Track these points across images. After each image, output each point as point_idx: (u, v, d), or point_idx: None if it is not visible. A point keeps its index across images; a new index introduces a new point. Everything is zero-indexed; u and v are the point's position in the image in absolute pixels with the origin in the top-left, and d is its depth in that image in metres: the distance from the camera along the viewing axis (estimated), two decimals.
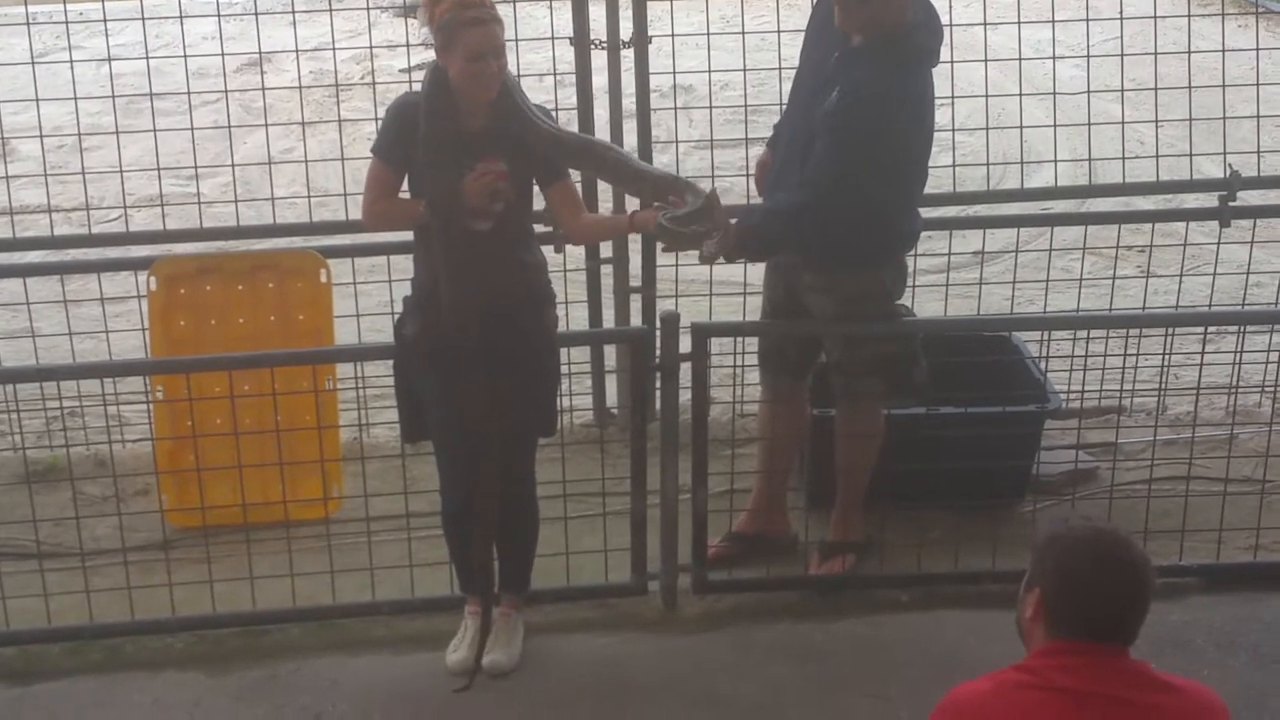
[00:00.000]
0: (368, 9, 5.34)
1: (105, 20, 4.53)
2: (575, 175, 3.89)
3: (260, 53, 5.17)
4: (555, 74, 4.65)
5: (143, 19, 4.77)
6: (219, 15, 4.74)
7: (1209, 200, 5.05)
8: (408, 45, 4.99)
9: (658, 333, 4.07)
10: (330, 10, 5.21)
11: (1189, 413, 4.96)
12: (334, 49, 5.13)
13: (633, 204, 4.21)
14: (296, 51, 4.98)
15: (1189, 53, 4.78)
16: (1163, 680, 2.39)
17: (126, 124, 4.88)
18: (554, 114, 3.86)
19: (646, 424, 4.17)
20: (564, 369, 4.18)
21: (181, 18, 5.06)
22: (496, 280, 3.70)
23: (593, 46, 4.68)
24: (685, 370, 4.09)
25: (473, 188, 3.62)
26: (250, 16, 4.90)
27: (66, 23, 4.78)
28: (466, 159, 3.65)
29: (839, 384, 4.24)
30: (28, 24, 4.84)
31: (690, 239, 3.62)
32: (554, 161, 3.74)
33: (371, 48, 5.20)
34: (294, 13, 5.21)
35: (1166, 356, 4.76)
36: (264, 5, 4.93)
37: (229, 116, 4.88)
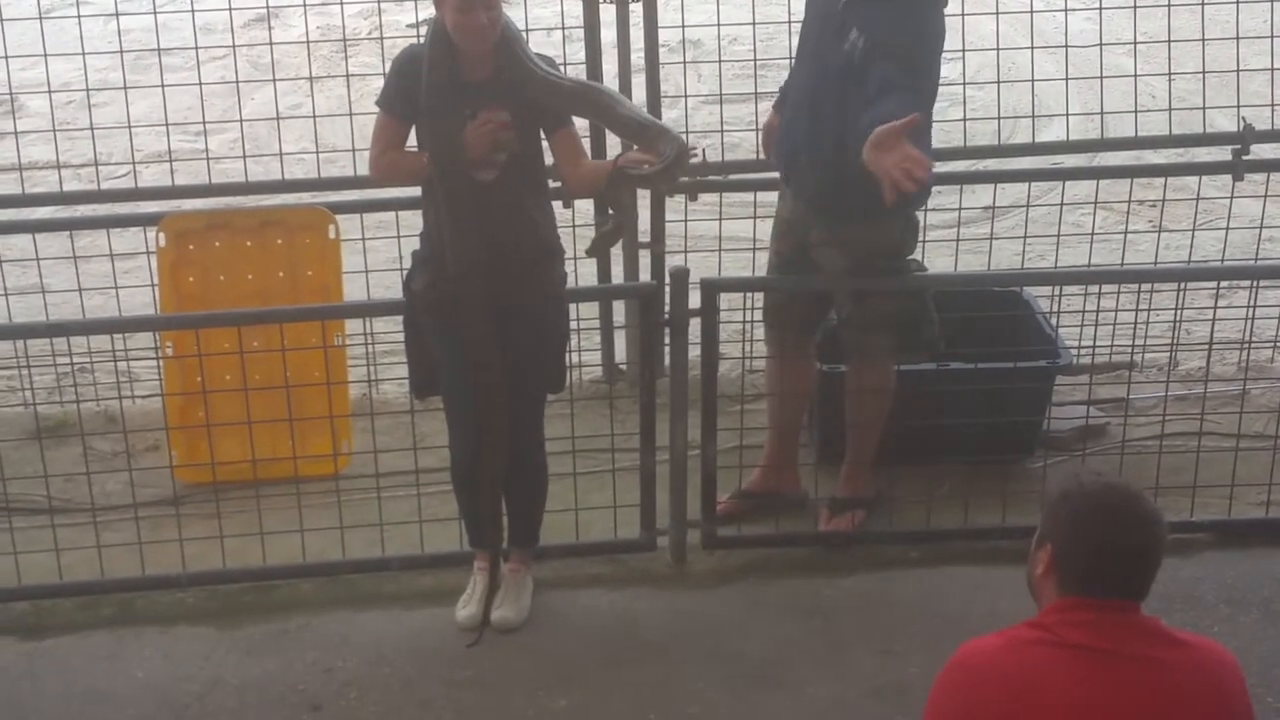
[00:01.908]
0: None
1: None
2: (582, 124, 3.86)
3: (268, 7, 5.15)
4: (564, 28, 4.61)
5: None
6: None
7: (1222, 154, 5.02)
8: (415, 0, 4.96)
9: (666, 288, 4.06)
10: None
11: (1200, 368, 4.95)
12: (341, 3, 5.10)
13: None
14: (304, 6, 4.94)
15: (1202, 4, 4.74)
16: (1174, 636, 2.39)
17: (134, 80, 4.85)
18: (558, 64, 3.83)
19: (655, 380, 4.16)
20: (573, 325, 4.17)
21: None
22: (501, 232, 3.68)
23: (601, 1, 4.64)
24: (694, 326, 4.08)
25: (474, 137, 3.60)
26: None
27: None
28: (469, 109, 3.62)
29: (850, 340, 4.22)
30: None
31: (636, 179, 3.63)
32: (554, 109, 3.71)
33: (379, 1, 5.16)
34: None
35: (1178, 312, 4.75)
36: None
37: (236, 72, 4.85)
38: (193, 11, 4.74)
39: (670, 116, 5.24)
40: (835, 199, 3.98)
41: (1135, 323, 4.96)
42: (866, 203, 3.75)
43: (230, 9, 4.81)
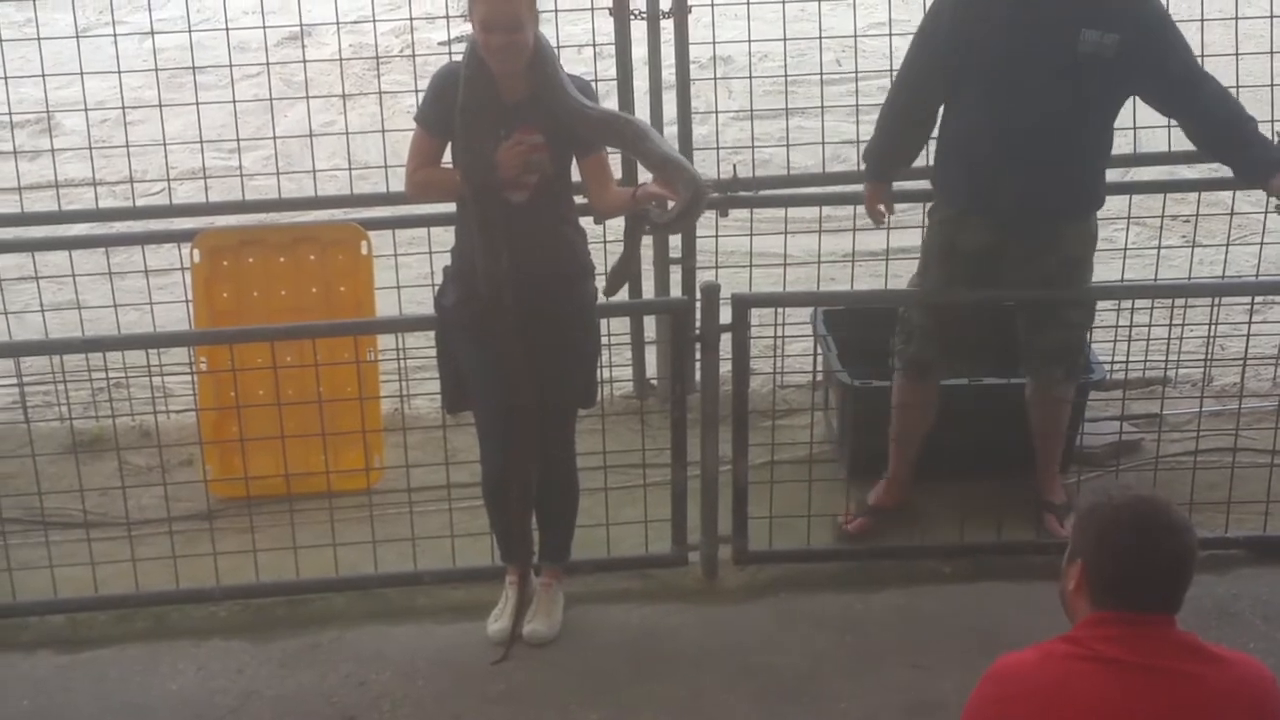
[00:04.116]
0: None
1: None
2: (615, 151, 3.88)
3: (301, 26, 5.18)
4: (595, 45, 4.63)
5: None
6: None
7: None
8: (447, 18, 4.98)
9: (698, 304, 4.06)
10: None
11: (1235, 384, 4.91)
12: (374, 21, 5.13)
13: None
14: (337, 25, 4.98)
15: (1235, 19, 4.72)
16: (1210, 651, 2.37)
17: (169, 98, 4.90)
18: (594, 86, 3.84)
19: (687, 395, 4.16)
20: (604, 340, 4.17)
21: None
22: (532, 252, 3.69)
23: (632, 17, 4.65)
24: (725, 342, 4.08)
25: (506, 158, 3.61)
26: None
27: None
28: (503, 130, 3.64)
29: (1030, 366, 4.28)
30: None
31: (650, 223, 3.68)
32: (584, 136, 3.72)
33: (411, 19, 5.19)
34: None
35: (1212, 327, 4.72)
36: None
37: (270, 89, 4.89)
38: (226, 30, 4.78)
39: (701, 133, 5.24)
40: (1064, 196, 4.06)
41: (1169, 338, 4.93)
42: (1092, 193, 4.13)
43: (264, 27, 4.85)
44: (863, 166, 4.36)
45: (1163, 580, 2.36)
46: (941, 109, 4.16)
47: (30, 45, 4.70)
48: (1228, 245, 5.20)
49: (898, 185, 4.41)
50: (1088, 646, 2.35)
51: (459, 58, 3.70)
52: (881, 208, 4.33)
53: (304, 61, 4.96)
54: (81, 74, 4.69)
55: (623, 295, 4.74)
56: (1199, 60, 4.08)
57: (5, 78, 4.67)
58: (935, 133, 4.22)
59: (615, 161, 3.88)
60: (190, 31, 4.76)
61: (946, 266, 4.21)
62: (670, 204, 3.61)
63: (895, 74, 4.21)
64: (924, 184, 4.43)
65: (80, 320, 5.04)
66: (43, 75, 4.64)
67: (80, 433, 4.71)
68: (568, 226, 3.80)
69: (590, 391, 3.99)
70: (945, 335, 4.24)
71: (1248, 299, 4.99)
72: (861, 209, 5.08)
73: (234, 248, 4.59)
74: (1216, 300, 4.57)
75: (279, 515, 4.25)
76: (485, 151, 3.61)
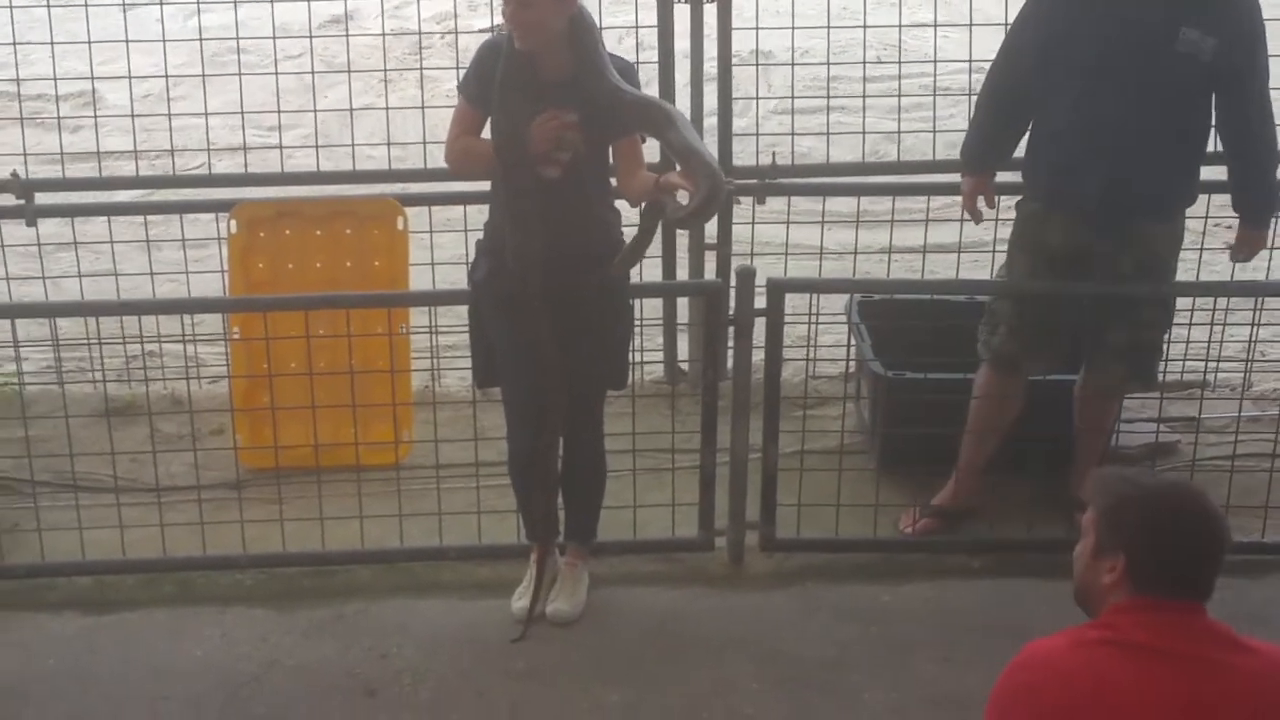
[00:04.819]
0: None
1: None
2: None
3: (346, 7, 5.18)
4: (637, 27, 4.62)
5: None
6: None
7: None
8: (490, 4, 4.97)
9: (732, 288, 4.04)
10: None
11: (1275, 389, 4.86)
12: (418, 2, 5.14)
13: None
14: (382, 9, 5.00)
15: None
16: (1244, 642, 2.34)
17: (211, 76, 4.92)
18: (635, 69, 3.81)
19: (718, 381, 4.14)
20: (636, 323, 4.15)
21: None
22: (563, 230, 3.67)
23: (676, 3, 4.64)
24: (759, 329, 4.05)
25: (538, 133, 3.59)
26: None
27: None
28: (539, 107, 3.62)
29: (1098, 362, 4.24)
30: None
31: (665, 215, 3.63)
32: (619, 120, 3.68)
33: (456, 4, 5.18)
34: None
35: (1254, 329, 4.66)
36: None
37: (313, 64, 4.90)
38: (272, 4, 4.79)
39: (740, 125, 5.21)
40: (1150, 194, 4.03)
41: (1209, 340, 4.88)
42: (1179, 193, 4.13)
43: (309, 4, 4.86)
44: (960, 161, 4.34)
45: (1202, 566, 2.34)
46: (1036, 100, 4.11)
47: (76, 20, 4.72)
48: (1270, 250, 5.13)
49: (918, 178, 4.37)
50: (1119, 631, 2.32)
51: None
52: (981, 201, 4.29)
53: (347, 35, 4.96)
54: (127, 42, 4.70)
55: (655, 275, 4.75)
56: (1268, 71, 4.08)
57: (53, 44, 4.69)
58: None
59: (653, 147, 3.84)
60: (237, 3, 4.77)
61: (1031, 260, 4.18)
62: (688, 197, 3.57)
63: (991, 62, 4.19)
64: (952, 178, 4.40)
65: (117, 288, 5.05)
66: (89, 42, 4.65)
67: (114, 399, 4.74)
68: (601, 207, 3.77)
69: (621, 373, 3.96)
70: (1034, 329, 4.19)
71: None
72: (903, 203, 5.09)
73: (271, 219, 4.60)
74: (1259, 303, 4.50)
75: (307, 486, 4.25)
76: (519, 126, 3.60)
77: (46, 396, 4.81)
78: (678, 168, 3.55)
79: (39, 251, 4.94)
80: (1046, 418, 4.27)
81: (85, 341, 4.70)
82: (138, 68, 4.94)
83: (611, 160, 3.78)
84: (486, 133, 3.74)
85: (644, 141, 3.74)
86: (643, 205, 3.63)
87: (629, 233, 3.70)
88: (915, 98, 5.39)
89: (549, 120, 3.59)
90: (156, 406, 4.63)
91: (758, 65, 4.99)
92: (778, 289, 4.01)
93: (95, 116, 5.04)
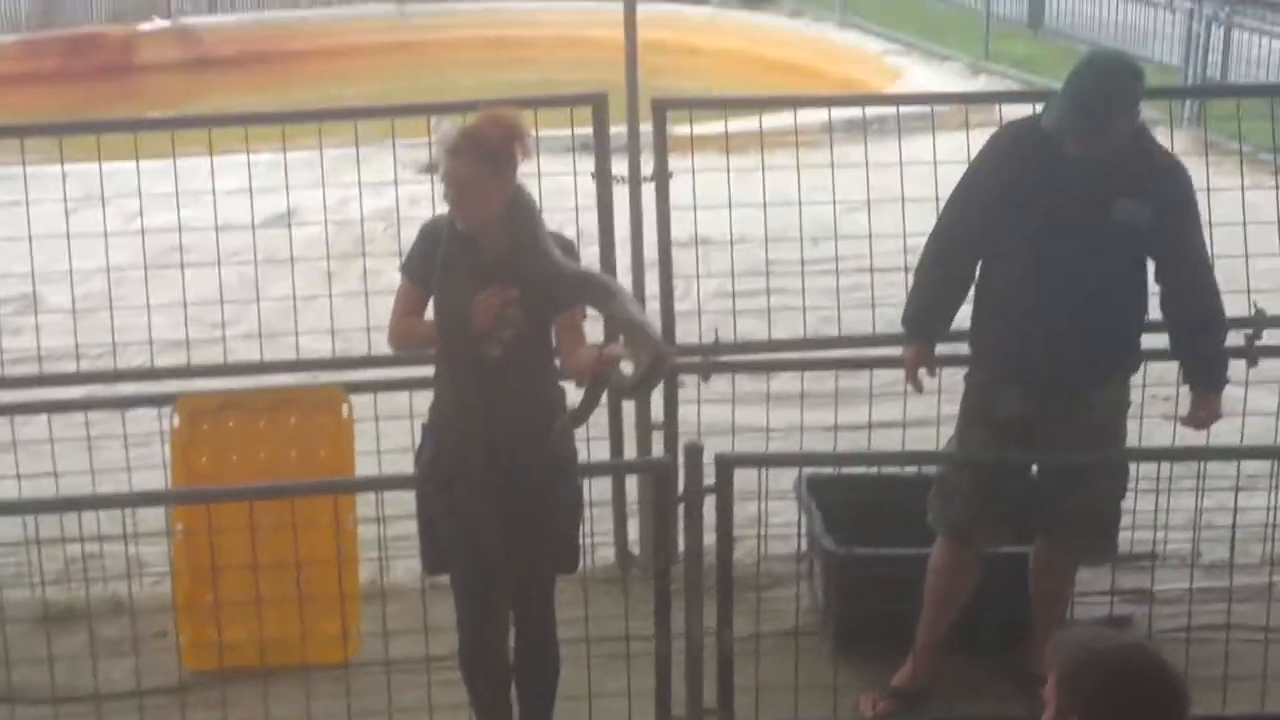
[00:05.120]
0: (395, 165, 5.42)
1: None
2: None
3: (288, 204, 5.23)
4: (577, 207, 4.70)
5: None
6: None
7: (1235, 339, 5.01)
8: (432, 198, 5.05)
9: (680, 465, 4.03)
10: (358, 167, 5.26)
11: (1225, 559, 4.86)
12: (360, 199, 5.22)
13: None
14: (324, 205, 5.06)
15: (1208, 190, 4.80)
16: None
17: (153, 275, 4.96)
18: (575, 247, 3.87)
19: (670, 565, 4.09)
20: (584, 505, 4.11)
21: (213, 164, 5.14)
22: (506, 409, 3.67)
23: (615, 182, 4.73)
24: (708, 508, 4.02)
25: (480, 310, 3.61)
26: (270, 176, 4.98)
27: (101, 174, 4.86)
28: (481, 285, 3.65)
29: (1055, 535, 4.24)
30: (63, 174, 4.94)
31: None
32: (561, 295, 3.73)
33: (398, 200, 5.25)
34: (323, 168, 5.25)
35: (1199, 496, 4.68)
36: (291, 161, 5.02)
37: (255, 259, 4.94)
38: (214, 196, 4.85)
39: (682, 307, 5.27)
40: (1096, 361, 4.08)
41: (1156, 508, 4.89)
42: (1125, 359, 4.18)
43: (251, 204, 4.92)
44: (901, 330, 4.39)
45: None
46: (978, 268, 4.20)
47: (14, 222, 4.73)
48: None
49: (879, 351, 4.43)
50: None
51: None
52: (923, 371, 4.32)
53: (290, 228, 5.00)
54: (69, 238, 4.72)
55: (604, 454, 4.74)
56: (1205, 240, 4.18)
57: None
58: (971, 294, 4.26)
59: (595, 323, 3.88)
60: (179, 198, 4.81)
61: (980, 430, 4.20)
62: (632, 367, 3.60)
63: (930, 232, 4.27)
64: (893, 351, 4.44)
65: (57, 488, 4.96)
66: (29, 237, 4.66)
67: (52, 604, 4.62)
68: (545, 384, 3.78)
69: (572, 556, 3.92)
70: (987, 499, 4.19)
71: (1232, 476, 4.95)
72: (846, 380, 5.13)
73: (214, 411, 4.57)
74: (1202, 470, 4.53)
75: (252, 689, 4.13)
76: (461, 304, 3.62)
77: None
78: (621, 339, 3.57)
79: None
80: (1002, 592, 4.26)
81: (23, 542, 4.59)
82: (79, 268, 4.96)
83: (554, 337, 3.79)
84: (430, 312, 3.76)
85: (584, 317, 3.77)
86: (589, 377, 3.64)
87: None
88: (852, 276, 5.48)
89: (490, 297, 3.61)
90: (97, 610, 4.50)
91: (697, 247, 5.06)
92: (726, 464, 4.00)
93: (36, 320, 5.02)
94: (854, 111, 6.12)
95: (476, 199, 3.60)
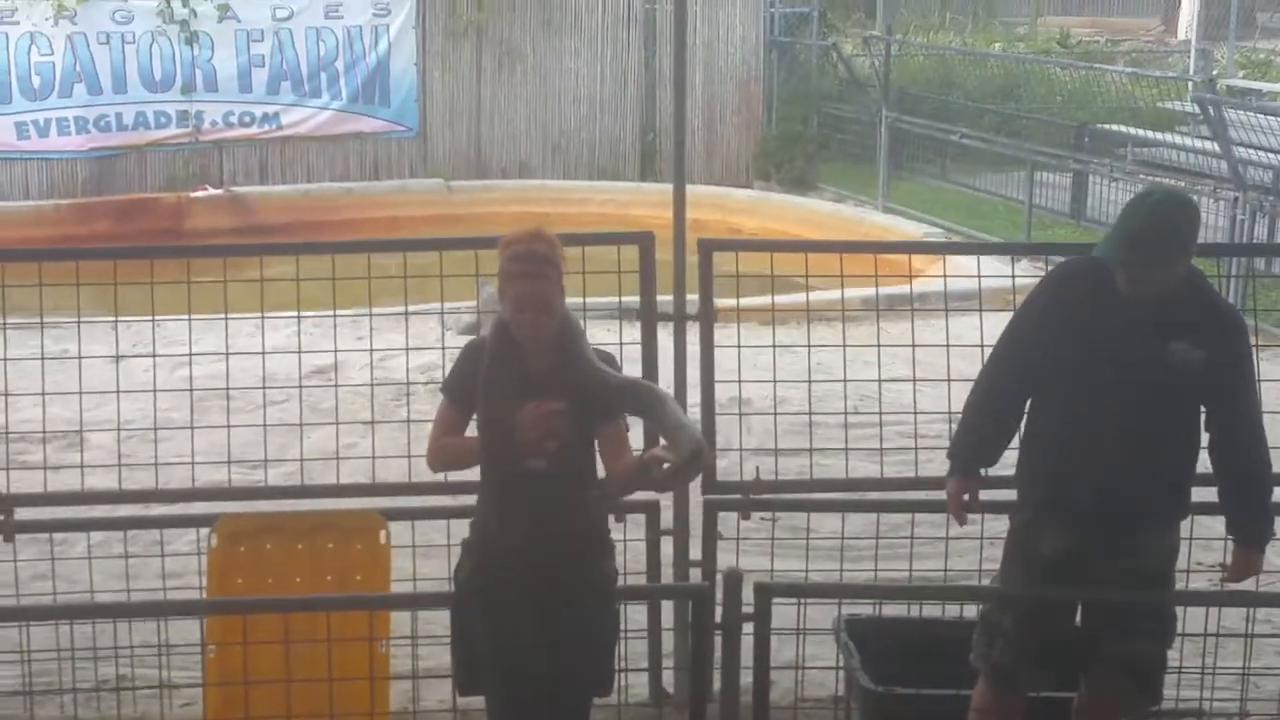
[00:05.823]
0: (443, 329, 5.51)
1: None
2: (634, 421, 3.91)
3: (336, 354, 5.30)
4: (621, 344, 4.76)
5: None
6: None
7: None
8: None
9: (719, 591, 3.98)
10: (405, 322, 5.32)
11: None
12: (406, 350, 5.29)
13: None
14: (370, 355, 5.14)
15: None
16: None
17: (196, 420, 5.04)
18: (617, 362, 3.91)
19: (706, 702, 4.01)
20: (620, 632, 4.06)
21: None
22: (548, 522, 3.67)
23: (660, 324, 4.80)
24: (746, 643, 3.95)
25: (527, 421, 3.64)
26: (316, 333, 5.12)
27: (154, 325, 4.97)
28: (526, 398, 3.68)
29: (1101, 677, 4.17)
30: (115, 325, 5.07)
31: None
32: (603, 404, 3.75)
33: (445, 352, 5.31)
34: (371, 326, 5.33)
35: (1247, 653, 4.56)
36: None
37: (301, 413, 5.03)
38: (263, 353, 4.95)
39: (722, 465, 5.26)
40: (1145, 505, 4.05)
41: (1202, 669, 4.77)
42: (1174, 504, 4.12)
43: (300, 351, 5.02)
44: (947, 464, 4.37)
45: None
46: (1027, 404, 4.19)
47: (66, 371, 4.83)
48: (1257, 587, 5.08)
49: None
50: None
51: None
52: (966, 499, 4.28)
53: (336, 386, 5.08)
54: (119, 390, 4.84)
55: (640, 579, 4.70)
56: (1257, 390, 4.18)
57: (44, 394, 4.79)
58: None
59: (638, 433, 3.91)
60: (227, 354, 4.91)
61: (1025, 571, 4.15)
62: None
63: (981, 369, 4.29)
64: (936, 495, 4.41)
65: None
66: (80, 392, 4.75)
67: None
68: (589, 499, 3.78)
69: (608, 678, 3.87)
70: (1032, 641, 4.11)
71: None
72: (886, 528, 5.08)
73: (253, 533, 4.58)
74: (1250, 627, 4.42)
75: None
76: (507, 417, 3.65)
77: None
78: (661, 443, 3.59)
79: (15, 578, 4.87)
80: None
81: (54, 650, 4.58)
82: (124, 413, 5.04)
83: (598, 449, 3.80)
84: (470, 430, 3.79)
85: (628, 429, 3.79)
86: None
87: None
88: (894, 440, 5.47)
89: (536, 409, 3.64)
90: None
91: (740, 412, 5.11)
92: (765, 593, 3.95)
93: (82, 455, 5.07)
94: (900, 289, 6.15)
95: (550, 317, 3.68)
